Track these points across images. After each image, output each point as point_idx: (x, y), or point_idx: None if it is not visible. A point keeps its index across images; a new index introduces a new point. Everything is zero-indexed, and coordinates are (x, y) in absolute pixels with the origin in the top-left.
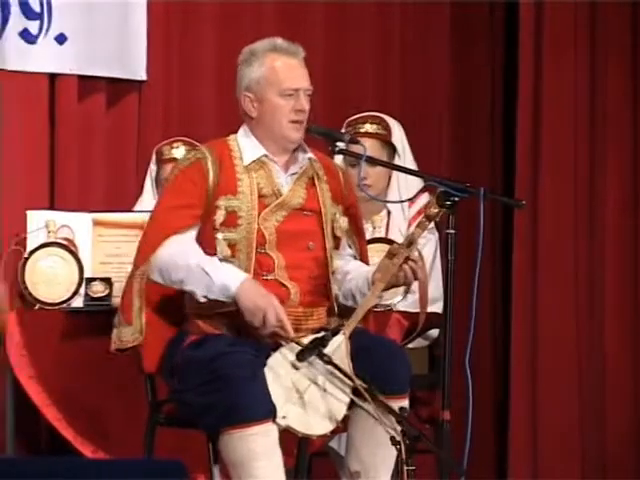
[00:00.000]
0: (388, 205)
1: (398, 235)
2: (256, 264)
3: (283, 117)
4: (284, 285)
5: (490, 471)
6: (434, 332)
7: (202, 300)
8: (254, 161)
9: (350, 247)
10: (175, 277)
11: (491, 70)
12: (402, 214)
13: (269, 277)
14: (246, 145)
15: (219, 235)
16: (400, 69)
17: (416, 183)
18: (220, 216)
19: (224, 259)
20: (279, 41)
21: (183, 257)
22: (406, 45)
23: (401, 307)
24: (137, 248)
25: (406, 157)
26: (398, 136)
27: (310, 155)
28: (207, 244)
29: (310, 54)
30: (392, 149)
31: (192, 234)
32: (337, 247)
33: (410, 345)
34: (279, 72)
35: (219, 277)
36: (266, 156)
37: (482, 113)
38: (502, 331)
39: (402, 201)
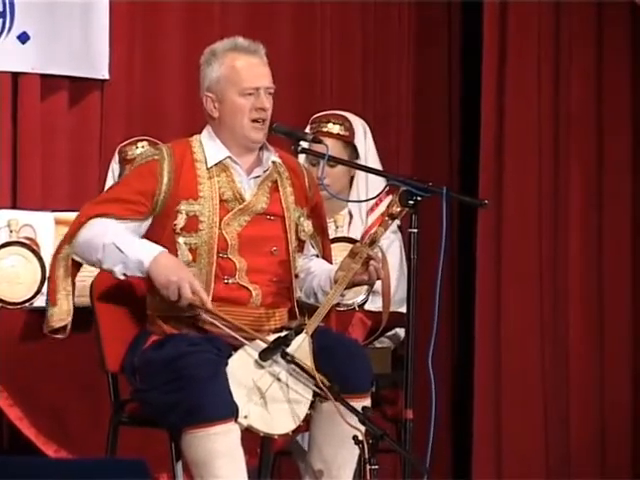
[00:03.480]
0: (350, 208)
1: (359, 237)
2: (218, 269)
3: (244, 116)
4: (245, 288)
5: (453, 471)
6: (401, 333)
7: (121, 277)
8: (217, 164)
9: (313, 247)
10: (94, 257)
11: (452, 69)
12: (360, 219)
13: (230, 281)
14: (209, 147)
15: (180, 239)
16: (361, 68)
17: (378, 189)
18: (181, 221)
19: (185, 264)
20: (240, 40)
21: (100, 236)
22: (367, 44)
23: (372, 308)
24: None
25: (368, 159)
26: (361, 138)
27: (274, 158)
28: (168, 249)
29: (277, 53)
30: (354, 150)
31: (123, 225)
32: (301, 250)
33: (377, 345)
34: (239, 71)
35: (133, 253)
36: (230, 158)
37: (442, 112)
38: (465, 330)
39: (366, 200)
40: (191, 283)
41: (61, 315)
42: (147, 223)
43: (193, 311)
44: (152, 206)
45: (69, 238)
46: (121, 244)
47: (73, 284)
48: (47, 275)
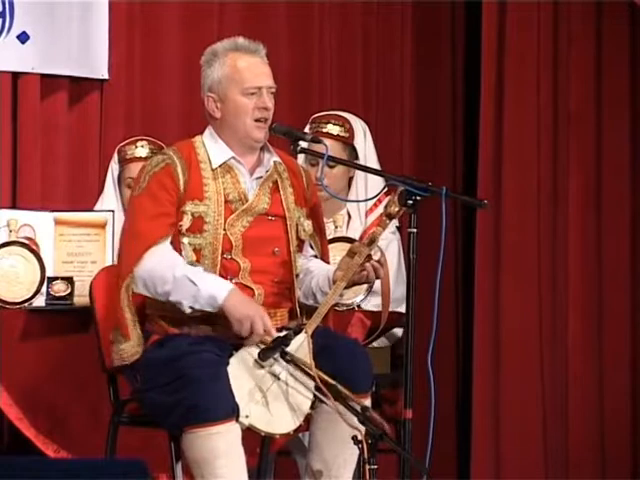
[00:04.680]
0: (348, 209)
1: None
2: (221, 269)
3: (247, 116)
4: (248, 287)
5: (453, 470)
6: (397, 331)
7: (188, 311)
8: (221, 165)
9: (312, 247)
10: (161, 289)
11: (453, 69)
12: (359, 219)
13: (233, 281)
14: (213, 148)
15: (185, 240)
16: (362, 68)
17: (377, 190)
18: (187, 221)
19: (189, 264)
20: (240, 40)
21: (168, 268)
22: (368, 43)
23: (369, 307)
24: (119, 259)
25: (368, 161)
26: (361, 139)
27: (275, 158)
28: (173, 248)
29: (275, 53)
30: (353, 151)
31: (169, 243)
32: (300, 250)
33: (373, 344)
34: (241, 71)
35: (206, 287)
36: (234, 158)
37: (444, 112)
38: (464, 330)
39: (366, 200)
40: (264, 320)
41: (134, 348)
42: None
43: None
44: (177, 213)
45: (129, 269)
46: (194, 277)
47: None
48: (114, 310)
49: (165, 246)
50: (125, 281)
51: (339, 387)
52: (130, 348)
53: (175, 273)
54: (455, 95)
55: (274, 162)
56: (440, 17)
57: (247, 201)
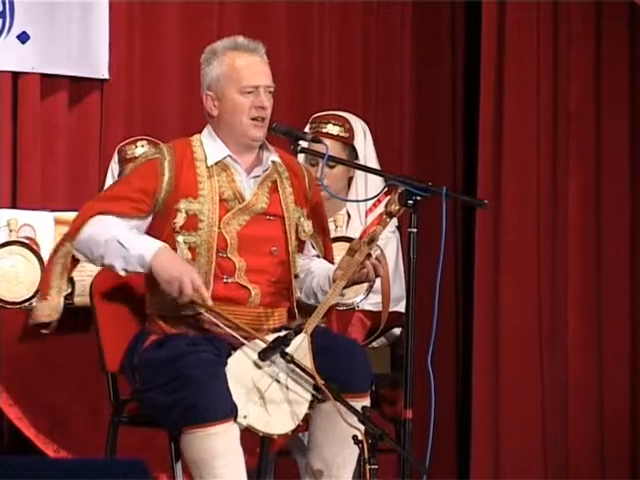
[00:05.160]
0: (348, 209)
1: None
2: (217, 268)
3: (243, 115)
4: (244, 287)
5: (452, 471)
6: (396, 331)
7: (122, 273)
8: (217, 163)
9: (313, 247)
10: (96, 253)
11: (453, 69)
12: (359, 219)
13: (229, 280)
14: (210, 146)
15: (179, 238)
16: (362, 68)
17: (377, 190)
18: (180, 219)
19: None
20: (240, 39)
21: (102, 233)
22: (368, 43)
23: (366, 306)
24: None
25: (367, 161)
26: (361, 139)
27: (274, 157)
28: None
29: (274, 52)
30: (353, 151)
31: (124, 222)
32: (301, 250)
33: (373, 344)
34: (239, 69)
35: (135, 248)
36: (230, 157)
37: (444, 112)
38: (464, 330)
39: (366, 200)
40: (193, 279)
41: (49, 311)
42: (148, 221)
43: (194, 308)
44: (153, 204)
45: (71, 235)
46: (123, 239)
47: (68, 283)
48: (45, 269)
49: (109, 216)
50: (63, 245)
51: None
52: (46, 309)
53: (107, 236)
54: (455, 95)
55: (273, 161)
56: (440, 17)
57: (243, 200)
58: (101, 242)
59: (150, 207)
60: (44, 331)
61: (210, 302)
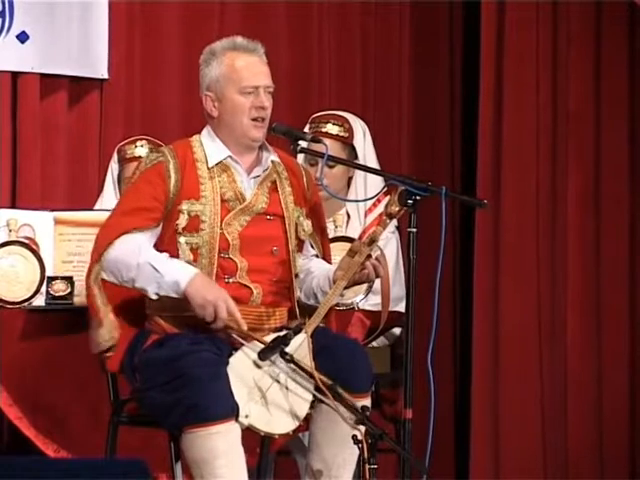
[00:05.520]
0: (347, 209)
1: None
2: (219, 268)
3: (243, 115)
4: (246, 286)
5: (452, 470)
6: (396, 330)
7: (154, 297)
8: (218, 164)
9: (312, 247)
10: (126, 276)
11: (451, 69)
12: (358, 219)
13: (231, 280)
14: (210, 147)
15: (181, 239)
16: (361, 67)
17: (377, 190)
18: (183, 220)
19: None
20: (239, 39)
21: (133, 255)
22: (367, 43)
23: (366, 306)
24: (92, 247)
25: (367, 161)
26: (360, 139)
27: (273, 157)
28: (169, 248)
29: (274, 53)
30: (353, 151)
31: (146, 235)
32: (300, 250)
33: (373, 344)
34: (238, 70)
35: (168, 273)
36: (230, 157)
37: (442, 112)
38: (464, 330)
39: (366, 199)
40: (227, 304)
41: (109, 334)
42: (160, 227)
43: (227, 332)
44: (165, 209)
45: (97, 257)
46: (156, 264)
47: (109, 303)
48: (85, 299)
49: (135, 235)
50: (94, 269)
51: (338, 389)
52: (107, 333)
53: (139, 260)
54: (453, 95)
55: (272, 161)
56: (438, 17)
57: (244, 200)
58: (132, 265)
59: (163, 213)
60: (109, 354)
61: (245, 327)
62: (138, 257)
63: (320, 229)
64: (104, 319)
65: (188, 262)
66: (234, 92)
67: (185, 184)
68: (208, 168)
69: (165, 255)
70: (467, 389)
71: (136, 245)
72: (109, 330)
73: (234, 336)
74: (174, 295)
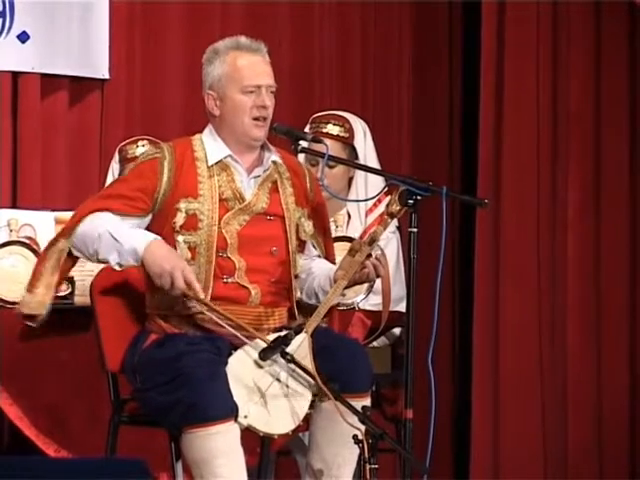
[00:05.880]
0: (348, 209)
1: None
2: (217, 268)
3: (245, 114)
4: (244, 287)
5: (452, 470)
6: (396, 330)
7: (117, 268)
8: (217, 163)
9: (315, 247)
10: (91, 249)
11: (450, 69)
12: (359, 219)
13: (229, 280)
14: (211, 145)
15: (179, 237)
16: (360, 67)
17: (377, 190)
18: (180, 219)
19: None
20: (242, 39)
21: (97, 228)
22: (367, 43)
23: (367, 306)
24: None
25: (368, 161)
26: (361, 139)
27: (275, 157)
28: None
29: (276, 52)
30: (353, 151)
31: (119, 219)
32: (302, 250)
33: (374, 344)
34: (240, 69)
35: (128, 242)
36: (230, 157)
37: (442, 112)
38: (464, 330)
39: (367, 199)
40: (184, 273)
41: (34, 304)
42: (146, 220)
43: (189, 304)
44: (152, 204)
45: (67, 232)
46: (116, 233)
47: (59, 281)
48: (37, 263)
49: (107, 214)
50: (59, 240)
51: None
52: (30, 303)
53: (100, 231)
54: (452, 95)
55: (273, 161)
56: (438, 18)
57: (243, 200)
58: (95, 237)
59: (149, 206)
60: (29, 323)
61: (202, 295)
62: (100, 229)
63: (323, 229)
64: (37, 289)
65: (186, 260)
66: (236, 91)
67: (182, 182)
68: (208, 167)
69: (126, 225)
70: (466, 389)
71: (102, 220)
72: (35, 301)
73: (202, 310)
74: (134, 263)
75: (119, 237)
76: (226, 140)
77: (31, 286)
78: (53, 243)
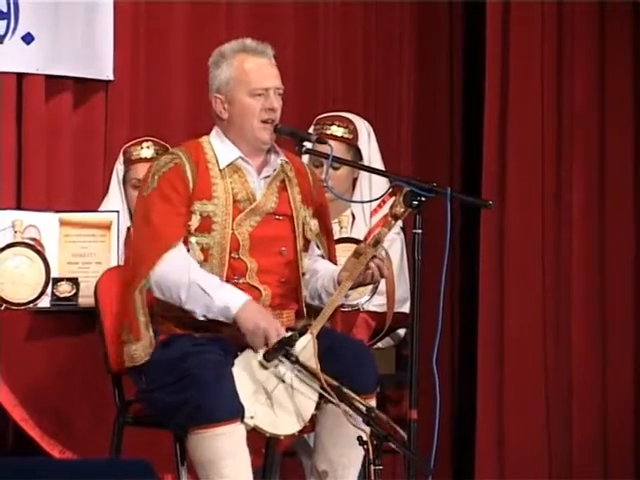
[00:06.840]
0: (352, 210)
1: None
2: (229, 269)
3: (254, 117)
4: (255, 288)
5: (457, 471)
6: (401, 331)
7: (201, 318)
8: (229, 165)
9: (318, 247)
10: (175, 295)
11: (452, 70)
12: (364, 220)
13: (240, 281)
14: (220, 148)
15: (192, 239)
16: (363, 68)
17: (381, 191)
18: (195, 221)
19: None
20: (248, 41)
21: (183, 275)
22: (369, 44)
23: (371, 307)
24: (134, 260)
25: (372, 162)
26: (365, 140)
27: (282, 157)
28: None
29: (280, 54)
30: (357, 153)
31: (183, 245)
32: (306, 249)
33: (378, 344)
34: (248, 72)
35: (219, 298)
36: (241, 158)
37: (443, 112)
38: (468, 331)
39: (371, 200)
40: (279, 332)
41: (146, 349)
42: None
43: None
44: (188, 212)
45: (146, 271)
46: (206, 287)
47: (150, 317)
48: (123, 311)
49: (180, 249)
50: (140, 283)
51: (344, 389)
52: (142, 349)
53: (189, 280)
54: (454, 96)
55: (281, 162)
56: (440, 18)
57: (255, 201)
58: (181, 285)
59: (187, 215)
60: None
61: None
62: (188, 277)
63: (326, 230)
64: (143, 334)
65: (199, 262)
66: (244, 94)
67: (198, 185)
68: (219, 169)
69: (215, 277)
70: (471, 390)
71: (184, 263)
72: (145, 346)
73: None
74: (223, 319)
75: (210, 292)
76: (234, 142)
77: (136, 335)
78: (134, 286)
